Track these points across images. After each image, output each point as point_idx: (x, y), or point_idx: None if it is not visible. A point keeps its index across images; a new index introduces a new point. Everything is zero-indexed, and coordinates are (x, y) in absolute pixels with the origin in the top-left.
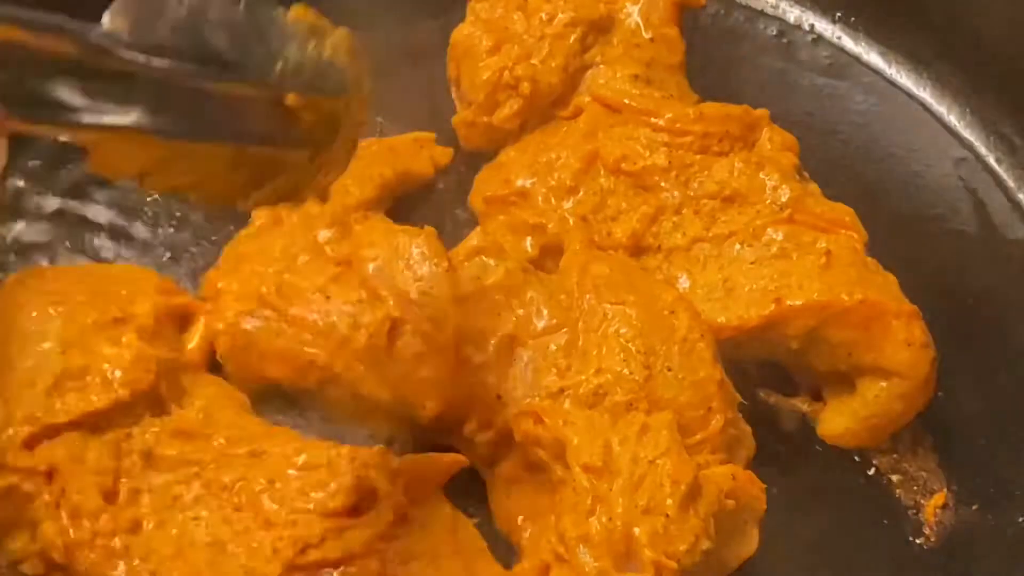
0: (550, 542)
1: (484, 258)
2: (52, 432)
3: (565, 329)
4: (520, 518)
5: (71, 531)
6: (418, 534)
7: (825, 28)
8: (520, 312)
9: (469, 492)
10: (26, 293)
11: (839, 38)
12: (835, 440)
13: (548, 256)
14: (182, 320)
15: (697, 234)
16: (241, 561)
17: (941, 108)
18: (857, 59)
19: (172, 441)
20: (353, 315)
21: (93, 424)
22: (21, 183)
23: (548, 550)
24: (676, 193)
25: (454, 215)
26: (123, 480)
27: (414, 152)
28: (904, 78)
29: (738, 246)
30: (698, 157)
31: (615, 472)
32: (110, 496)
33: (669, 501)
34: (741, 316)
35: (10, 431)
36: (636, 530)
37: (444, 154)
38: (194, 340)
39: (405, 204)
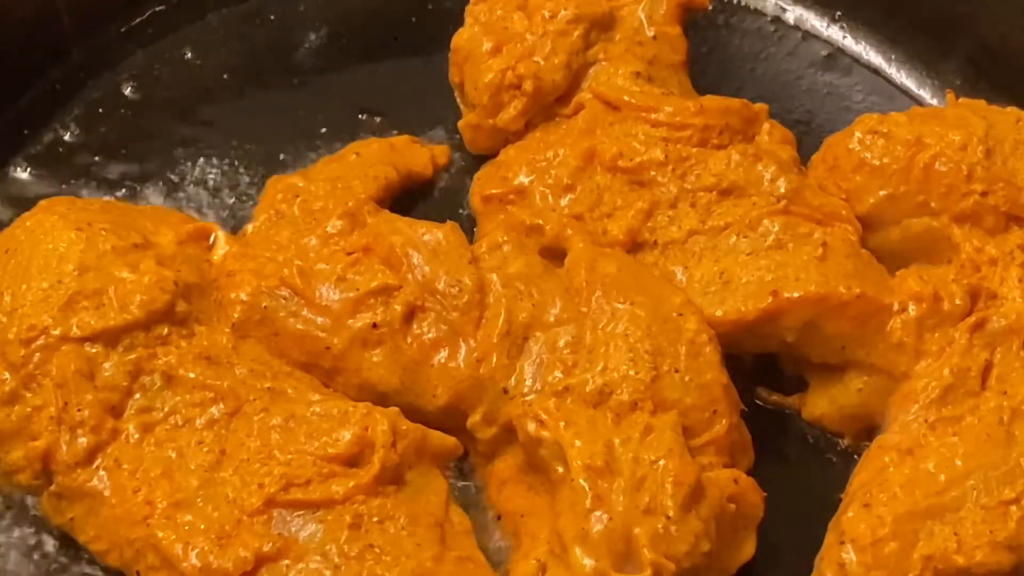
0: (548, 540)
1: (505, 249)
2: (58, 344)
3: (574, 324)
4: (517, 515)
5: (64, 448)
6: (404, 497)
7: (825, 28)
8: (536, 300)
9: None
10: (52, 218)
11: (839, 38)
12: (813, 422)
13: (545, 257)
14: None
15: (693, 227)
16: (227, 491)
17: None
18: (857, 59)
19: (195, 364)
20: (370, 300)
21: (110, 341)
22: None
23: (545, 548)
24: (672, 187)
25: (454, 214)
26: (136, 397)
27: (414, 152)
28: (904, 78)
29: (734, 238)
30: (695, 151)
31: (616, 472)
32: (115, 413)
33: (670, 502)
34: (739, 309)
35: (12, 331)
36: (636, 530)
37: (444, 154)
38: (219, 252)
39: (405, 204)
